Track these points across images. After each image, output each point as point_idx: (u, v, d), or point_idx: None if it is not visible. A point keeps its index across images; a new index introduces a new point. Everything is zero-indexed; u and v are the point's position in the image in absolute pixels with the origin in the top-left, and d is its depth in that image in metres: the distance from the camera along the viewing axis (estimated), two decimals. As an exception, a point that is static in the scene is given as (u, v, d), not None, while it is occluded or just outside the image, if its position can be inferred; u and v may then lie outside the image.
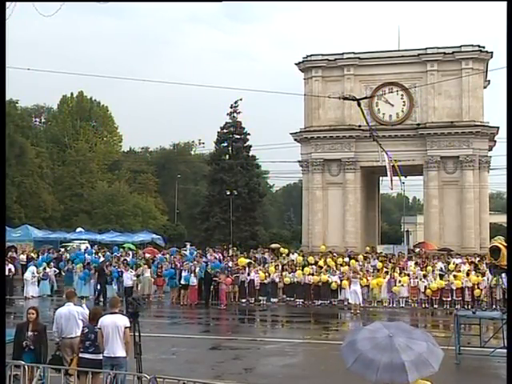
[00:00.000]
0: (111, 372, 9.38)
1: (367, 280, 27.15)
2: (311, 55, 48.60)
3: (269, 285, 27.85)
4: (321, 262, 29.40)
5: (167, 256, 32.10)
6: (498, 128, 45.63)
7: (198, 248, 37.62)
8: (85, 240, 43.32)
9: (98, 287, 27.08)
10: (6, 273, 26.96)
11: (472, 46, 45.53)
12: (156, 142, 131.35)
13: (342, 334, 21.31)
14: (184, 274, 27.32)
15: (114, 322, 9.93)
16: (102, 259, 30.58)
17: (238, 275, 27.76)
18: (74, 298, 12.12)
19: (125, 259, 30.16)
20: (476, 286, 25.78)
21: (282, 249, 34.09)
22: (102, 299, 26.23)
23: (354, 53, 47.62)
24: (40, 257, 32.78)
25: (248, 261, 29.55)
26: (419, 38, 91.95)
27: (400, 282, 26.86)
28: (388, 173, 34.59)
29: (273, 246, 39.03)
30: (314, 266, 28.75)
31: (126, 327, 9.95)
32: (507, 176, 14.17)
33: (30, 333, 10.65)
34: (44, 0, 14.22)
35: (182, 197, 77.13)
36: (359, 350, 5.53)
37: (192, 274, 27.02)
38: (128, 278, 26.64)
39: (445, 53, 45.54)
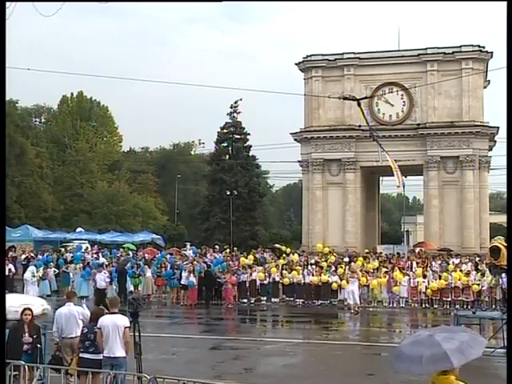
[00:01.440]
0: (111, 372, 9.38)
1: (367, 280, 27.18)
2: (311, 55, 48.55)
3: (269, 285, 27.90)
4: (323, 263, 29.41)
5: (167, 256, 32.15)
6: (498, 128, 45.61)
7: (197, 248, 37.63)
8: (85, 240, 43.30)
9: (118, 287, 26.82)
10: (6, 273, 26.95)
11: (472, 46, 45.49)
12: (156, 142, 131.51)
13: (342, 334, 21.38)
14: (184, 274, 27.34)
15: (114, 322, 9.93)
16: (101, 259, 30.62)
17: (239, 275, 27.82)
18: (74, 298, 12.14)
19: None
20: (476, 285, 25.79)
21: (283, 247, 33.99)
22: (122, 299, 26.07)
23: (354, 53, 47.58)
24: (41, 257, 32.78)
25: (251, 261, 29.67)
26: (419, 38, 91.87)
27: (400, 282, 26.88)
28: (393, 171, 34.57)
29: (277, 245, 39.00)
30: (313, 266, 28.81)
31: (125, 327, 9.95)
32: (507, 176, 14.19)
33: (27, 336, 10.62)
34: (44, 0, 14.24)
35: (182, 197, 77.12)
36: (399, 345, 5.85)
37: (191, 274, 27.05)
38: (101, 279, 25.96)
39: (445, 53, 45.51)
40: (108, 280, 26.65)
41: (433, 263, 29.70)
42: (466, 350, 5.37)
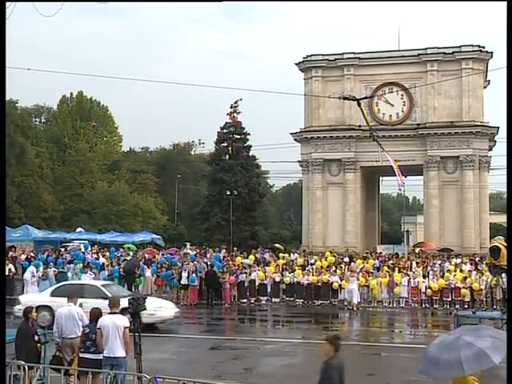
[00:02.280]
0: (111, 372, 9.38)
1: (367, 280, 27.19)
2: (311, 55, 48.57)
3: (269, 285, 27.90)
4: (324, 262, 29.41)
5: (168, 256, 32.13)
6: (498, 128, 45.61)
7: (197, 247, 37.56)
8: (85, 240, 43.28)
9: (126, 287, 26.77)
10: (6, 273, 26.96)
11: (472, 46, 45.50)
12: (156, 141, 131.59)
13: (342, 334, 21.33)
14: (184, 274, 27.35)
15: (114, 322, 9.93)
16: (101, 259, 30.60)
17: (238, 275, 27.84)
18: (74, 299, 12.14)
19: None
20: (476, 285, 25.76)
21: (281, 254, 33.91)
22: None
23: (354, 53, 47.59)
24: (40, 256, 32.79)
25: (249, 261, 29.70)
26: (419, 38, 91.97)
27: (400, 282, 26.90)
28: (395, 171, 34.57)
29: (277, 245, 38.87)
30: (314, 266, 28.82)
31: (125, 327, 9.95)
32: (507, 176, 14.18)
33: (36, 336, 10.71)
34: (44, 0, 14.23)
35: (182, 197, 77.08)
36: (430, 344, 6.03)
37: (193, 274, 27.10)
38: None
39: (445, 53, 45.52)
40: None
41: (433, 263, 29.73)
42: (482, 359, 5.38)
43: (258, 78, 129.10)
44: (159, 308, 19.52)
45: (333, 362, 7.60)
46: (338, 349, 7.66)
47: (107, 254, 33.02)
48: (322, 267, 28.52)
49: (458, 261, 29.85)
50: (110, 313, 10.26)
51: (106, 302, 18.09)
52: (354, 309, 25.70)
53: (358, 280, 26.63)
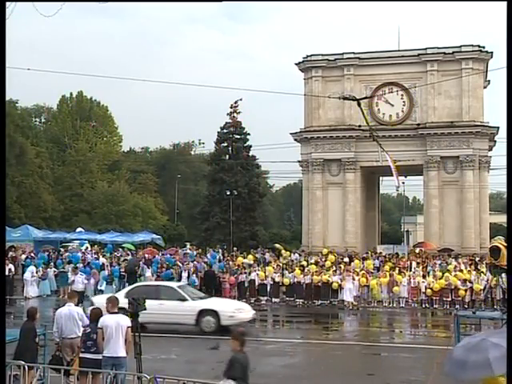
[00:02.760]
0: (111, 372, 9.38)
1: (367, 280, 27.20)
2: (311, 55, 48.58)
3: (269, 285, 27.91)
4: (315, 267, 29.43)
5: (167, 256, 32.13)
6: (498, 128, 45.62)
7: (197, 248, 37.59)
8: (85, 240, 43.30)
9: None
10: (6, 273, 26.99)
11: (472, 45, 45.51)
12: (156, 141, 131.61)
13: (342, 334, 21.39)
14: (184, 274, 27.37)
15: (117, 322, 9.95)
16: (101, 259, 30.62)
17: (237, 275, 27.85)
18: (74, 299, 12.13)
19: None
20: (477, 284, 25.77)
21: (283, 251, 33.97)
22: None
23: (353, 53, 47.60)
24: (40, 255, 32.82)
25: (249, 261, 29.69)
26: (419, 38, 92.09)
27: (400, 282, 26.91)
28: (393, 172, 34.59)
29: (277, 245, 38.99)
30: (313, 266, 28.83)
31: (128, 327, 9.97)
32: (507, 176, 14.15)
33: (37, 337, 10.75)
34: (44, 0, 14.23)
35: (182, 197, 77.10)
36: (455, 346, 6.09)
37: (194, 274, 27.11)
38: (79, 281, 25.86)
39: (445, 53, 45.53)
40: (86, 281, 26.57)
41: (433, 263, 29.75)
42: None
43: (258, 77, 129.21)
44: (239, 310, 19.52)
45: (238, 356, 8.25)
46: (243, 344, 8.34)
47: (107, 253, 33.07)
48: (322, 266, 28.54)
49: (458, 261, 29.86)
50: (111, 312, 10.25)
51: (183, 303, 18.32)
52: (349, 306, 25.74)
53: (354, 280, 26.66)
